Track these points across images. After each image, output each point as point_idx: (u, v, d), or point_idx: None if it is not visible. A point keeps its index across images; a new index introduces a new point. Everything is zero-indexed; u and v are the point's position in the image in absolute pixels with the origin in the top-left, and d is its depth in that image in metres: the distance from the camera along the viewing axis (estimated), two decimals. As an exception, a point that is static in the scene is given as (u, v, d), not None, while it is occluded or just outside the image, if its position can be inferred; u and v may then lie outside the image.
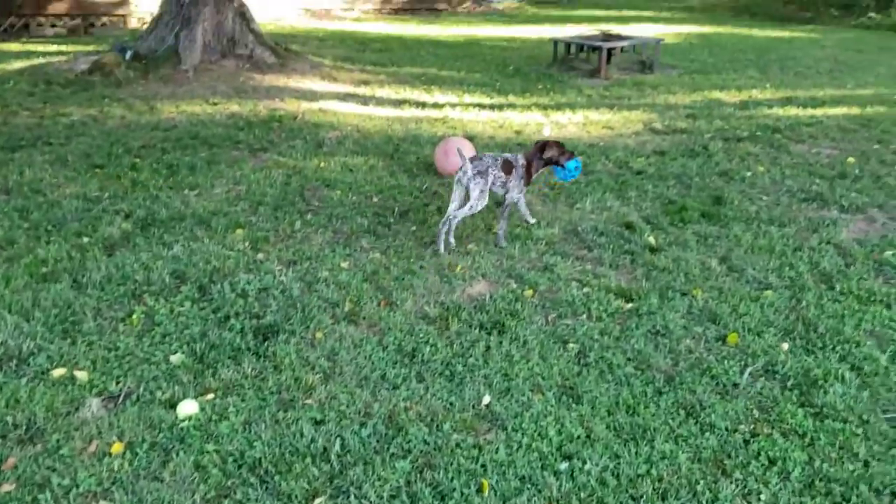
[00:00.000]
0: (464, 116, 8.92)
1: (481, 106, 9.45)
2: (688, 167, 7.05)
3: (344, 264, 4.91)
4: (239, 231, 5.39)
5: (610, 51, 11.66)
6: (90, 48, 12.05)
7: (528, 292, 4.61)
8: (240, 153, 7.26)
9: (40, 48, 12.54)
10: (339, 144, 7.60)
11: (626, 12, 20.18)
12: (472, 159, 5.23)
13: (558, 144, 5.41)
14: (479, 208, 5.20)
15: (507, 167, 5.29)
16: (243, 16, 11.06)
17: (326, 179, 6.50)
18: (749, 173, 6.92)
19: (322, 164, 6.91)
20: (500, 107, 9.40)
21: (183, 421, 3.32)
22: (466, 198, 5.16)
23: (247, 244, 5.17)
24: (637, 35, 13.23)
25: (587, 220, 5.74)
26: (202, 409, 3.40)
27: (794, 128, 8.52)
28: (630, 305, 4.48)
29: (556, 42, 12.30)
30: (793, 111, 9.38)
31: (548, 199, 6.24)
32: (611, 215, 5.87)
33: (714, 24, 18.41)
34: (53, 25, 14.07)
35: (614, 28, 14.17)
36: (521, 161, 5.36)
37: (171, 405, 3.42)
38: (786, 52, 14.30)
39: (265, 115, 8.61)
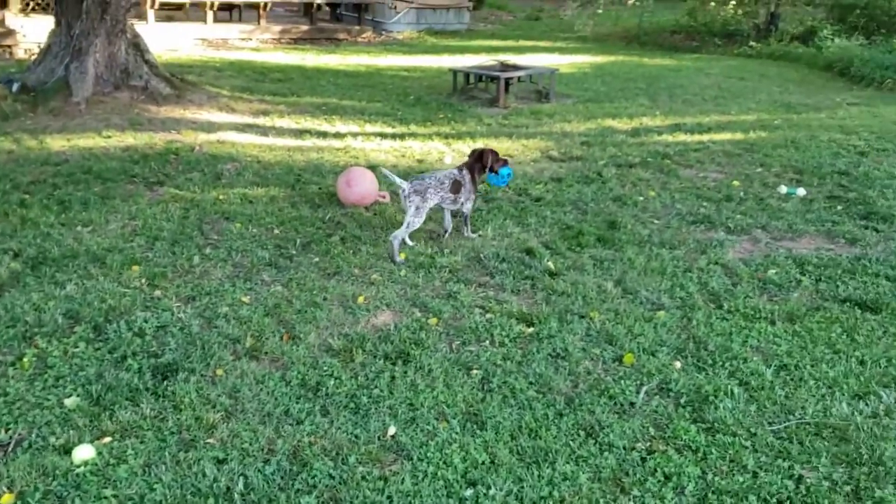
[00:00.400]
0: (366, 146, 8.96)
1: (383, 135, 9.52)
2: (584, 193, 7.28)
3: (245, 298, 4.85)
4: (135, 268, 5.25)
5: (508, 80, 11.94)
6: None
7: (433, 320, 4.67)
8: (135, 187, 7.08)
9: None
10: (239, 176, 7.51)
11: (522, 42, 20.71)
12: (412, 179, 5.66)
13: (493, 152, 5.94)
14: (416, 226, 5.59)
15: (457, 187, 5.75)
16: (137, 46, 10.81)
17: (226, 212, 6.41)
18: (641, 198, 7.21)
19: (221, 197, 6.81)
20: (402, 136, 9.49)
21: (79, 467, 3.21)
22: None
23: (143, 281, 5.05)
24: (534, 65, 13.59)
25: (489, 247, 5.85)
26: (99, 454, 3.29)
27: (682, 153, 8.92)
28: (531, 330, 4.59)
29: (455, 72, 12.52)
30: (681, 137, 9.83)
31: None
32: (511, 242, 6.00)
33: (606, 54, 19.13)
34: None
35: (512, 58, 14.55)
36: (466, 175, 5.81)
37: (66, 451, 3.30)
38: (674, 80, 14.97)
39: (161, 147, 8.43)
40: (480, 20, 26.61)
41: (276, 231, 6.08)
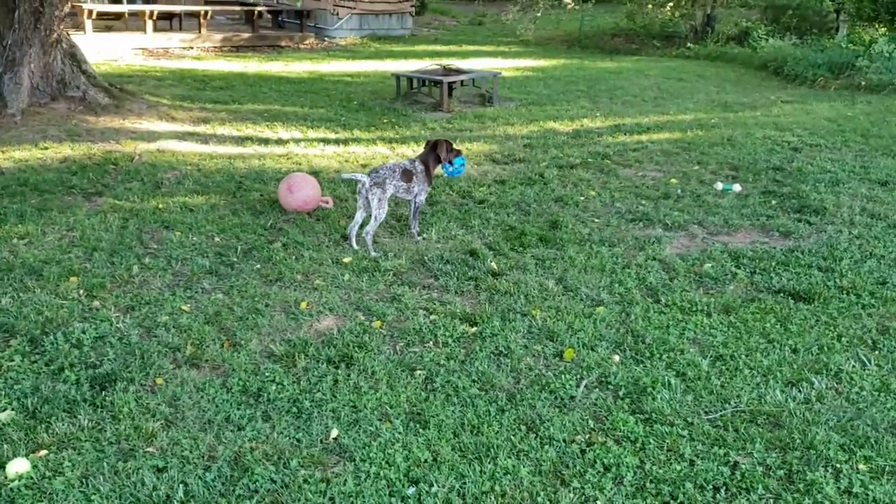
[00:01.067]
0: (308, 152, 8.94)
1: (326, 141, 9.50)
2: (526, 195, 7.37)
3: (185, 307, 4.81)
4: (73, 279, 5.16)
5: (451, 84, 12.02)
6: None
7: (377, 323, 4.69)
8: (73, 198, 6.95)
9: None
10: (179, 184, 7.43)
11: (465, 47, 20.84)
12: (369, 172, 5.80)
13: (447, 143, 6.07)
14: (382, 217, 5.75)
15: (407, 175, 5.86)
16: (74, 56, 10.61)
17: (165, 221, 6.33)
18: (582, 198, 7.33)
19: (160, 206, 6.73)
20: (346, 141, 9.48)
21: (12, 481, 3.15)
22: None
23: (81, 292, 4.97)
24: (476, 69, 13.70)
25: (433, 250, 5.89)
26: (34, 467, 3.24)
27: (622, 153, 9.09)
28: (474, 329, 4.63)
29: (398, 77, 12.55)
30: (621, 138, 10.01)
31: (395, 230, 6.35)
32: (456, 244, 6.05)
33: (548, 58, 19.36)
34: None
35: (455, 62, 14.64)
36: (419, 166, 5.93)
37: (0, 465, 3.24)
38: (614, 82, 15.22)
39: (100, 157, 8.29)
40: (423, 25, 26.70)
41: (217, 239, 6.03)
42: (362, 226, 5.88)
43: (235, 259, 5.65)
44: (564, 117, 11.31)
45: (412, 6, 22.96)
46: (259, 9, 19.10)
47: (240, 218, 6.50)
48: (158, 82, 13.19)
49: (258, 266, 5.53)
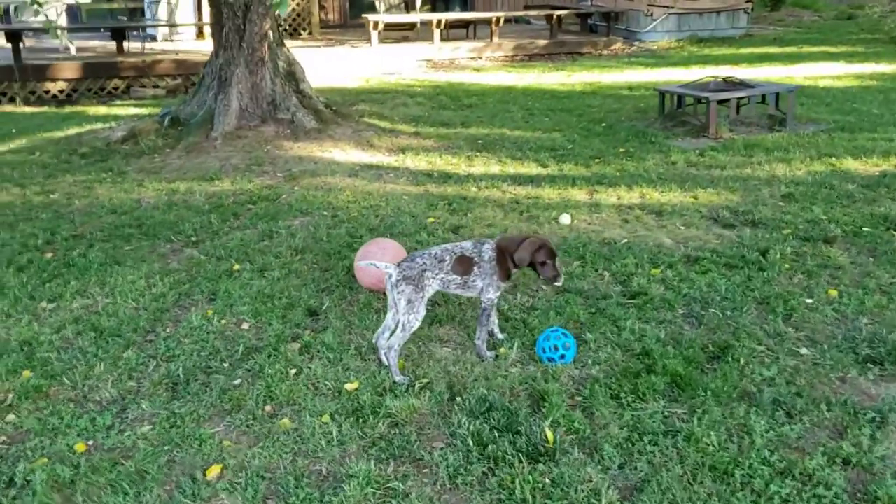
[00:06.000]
0: (484, 194, 7.15)
1: (519, 179, 7.62)
2: (716, 288, 4.85)
3: (80, 446, 3.43)
4: (26, 373, 4.13)
5: (722, 102, 9.33)
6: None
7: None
8: (167, 247, 6.07)
9: (120, 111, 12.32)
10: (291, 237, 6.16)
11: (807, 48, 17.00)
12: (400, 263, 3.97)
13: (545, 247, 4.06)
14: (415, 325, 3.91)
15: (465, 264, 3.99)
16: (292, 75, 10.04)
17: (215, 291, 5.08)
18: (809, 300, 4.61)
19: (237, 267, 5.51)
20: (542, 181, 7.51)
21: None
22: None
23: (10, 396, 3.87)
24: (766, 82, 10.67)
25: (483, 381, 3.86)
26: None
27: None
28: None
29: (662, 93, 10.10)
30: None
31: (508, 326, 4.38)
32: (527, 375, 3.93)
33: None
34: (155, 86, 13.96)
35: (777, 70, 11.65)
36: (488, 252, 4.02)
37: None
38: None
39: (252, 194, 7.40)
40: (772, 23, 22.89)
41: (246, 326, 4.64)
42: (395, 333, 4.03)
43: (227, 364, 4.19)
44: (875, 152, 8.03)
45: (748, 2, 19.59)
46: (558, 14, 17.44)
47: (299, 293, 5.02)
48: (402, 100, 12.27)
49: (237, 382, 4.00)
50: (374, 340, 4.20)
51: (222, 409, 3.77)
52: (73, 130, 10.60)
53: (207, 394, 3.89)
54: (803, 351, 4.07)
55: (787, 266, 5.12)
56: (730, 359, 3.95)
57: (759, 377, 3.81)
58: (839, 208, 6.26)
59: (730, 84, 9.81)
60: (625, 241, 5.77)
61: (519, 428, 3.46)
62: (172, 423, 3.66)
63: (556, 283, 4.19)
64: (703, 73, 11.04)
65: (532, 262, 4.04)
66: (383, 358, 4.04)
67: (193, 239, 6.24)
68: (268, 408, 3.76)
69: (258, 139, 9.27)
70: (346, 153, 8.87)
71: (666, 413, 3.55)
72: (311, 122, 9.59)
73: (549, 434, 3.39)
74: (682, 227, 6.05)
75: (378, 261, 4.73)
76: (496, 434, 3.43)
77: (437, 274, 3.95)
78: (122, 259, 5.81)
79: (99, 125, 10.80)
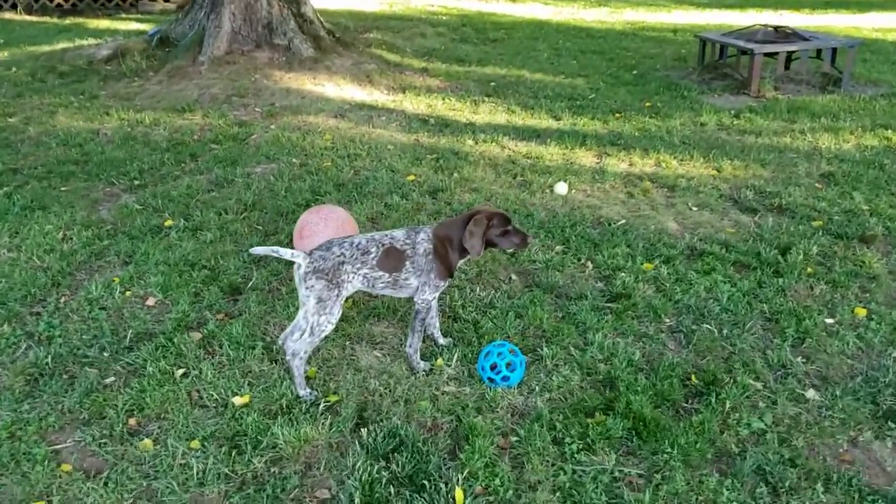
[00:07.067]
0: (480, 149, 6.27)
1: (525, 133, 6.71)
2: (717, 294, 3.98)
3: None
4: None
5: (770, 55, 8.21)
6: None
7: None
8: (98, 191, 5.36)
9: (122, 26, 11.53)
10: (246, 188, 5.40)
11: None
12: (312, 251, 3.14)
13: (501, 216, 3.22)
14: (327, 329, 3.13)
15: (394, 259, 3.16)
16: (293, -3, 9.12)
17: (143, 251, 4.37)
18: (829, 321, 3.73)
19: (168, 223, 4.78)
20: (549, 136, 6.59)
21: None
22: None
23: None
24: (824, 33, 9.46)
25: (402, 409, 3.10)
26: None
27: None
28: None
29: (703, 40, 8.97)
30: None
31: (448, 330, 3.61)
32: (453, 402, 3.16)
33: None
34: (166, 0, 13.11)
35: (843, 18, 10.33)
36: (424, 244, 3.18)
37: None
38: None
39: (219, 131, 6.62)
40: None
41: (151, 302, 3.91)
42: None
43: (107, 353, 3.49)
44: (940, 125, 6.93)
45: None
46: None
47: (227, 263, 4.28)
48: (429, 28, 11.28)
49: (109, 380, 3.30)
50: (280, 341, 3.45)
51: (78, 418, 3.08)
52: (60, 45, 9.86)
53: (69, 394, 3.21)
54: (810, 393, 3.22)
55: (809, 271, 4.21)
56: (713, 399, 3.12)
57: (746, 430, 2.98)
58: (885, 197, 5.26)
59: (781, 34, 8.65)
60: (622, 221, 4.89)
61: (424, 481, 2.70)
62: (12, 432, 2.99)
63: (530, 242, 3.32)
64: (759, 19, 9.86)
65: (489, 242, 3.21)
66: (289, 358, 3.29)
67: (136, 183, 5.53)
68: (132, 420, 3.07)
69: (248, 66, 8.45)
70: (340, 88, 8.01)
71: (616, 474, 2.77)
72: (309, 51, 8.72)
73: (459, 495, 2.63)
74: (694, 209, 5.13)
75: (314, 235, 4.00)
76: (392, 490, 2.67)
77: (358, 268, 3.15)
78: (48, 203, 5.12)
79: (90, 41, 10.03)
